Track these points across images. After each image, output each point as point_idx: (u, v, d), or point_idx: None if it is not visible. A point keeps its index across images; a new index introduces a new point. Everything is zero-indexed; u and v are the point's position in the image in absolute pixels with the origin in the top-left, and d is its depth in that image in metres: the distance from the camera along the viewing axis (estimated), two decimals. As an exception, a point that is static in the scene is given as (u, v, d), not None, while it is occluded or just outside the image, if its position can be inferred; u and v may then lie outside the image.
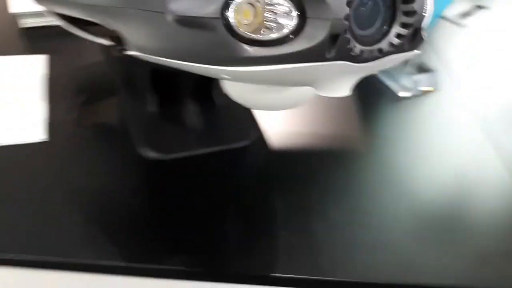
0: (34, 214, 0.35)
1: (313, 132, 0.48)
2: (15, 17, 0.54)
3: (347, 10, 0.22)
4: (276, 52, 0.22)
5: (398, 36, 0.25)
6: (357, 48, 0.23)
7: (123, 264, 0.33)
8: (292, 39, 0.22)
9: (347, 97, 0.27)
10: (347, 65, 0.23)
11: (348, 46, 0.23)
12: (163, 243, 0.35)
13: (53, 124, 0.42)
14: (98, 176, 0.39)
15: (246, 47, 0.22)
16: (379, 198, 0.41)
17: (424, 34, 0.26)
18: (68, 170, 0.39)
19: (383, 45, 0.25)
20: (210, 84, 0.45)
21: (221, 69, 0.24)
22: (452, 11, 0.71)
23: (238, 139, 0.45)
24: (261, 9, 0.22)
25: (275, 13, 0.22)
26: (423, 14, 0.25)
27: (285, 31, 0.22)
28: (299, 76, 0.24)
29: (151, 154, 0.41)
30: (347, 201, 0.40)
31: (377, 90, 0.54)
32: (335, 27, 0.22)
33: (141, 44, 0.28)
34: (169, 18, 0.23)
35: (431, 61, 0.60)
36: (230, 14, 0.22)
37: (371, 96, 0.54)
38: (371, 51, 0.24)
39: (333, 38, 0.22)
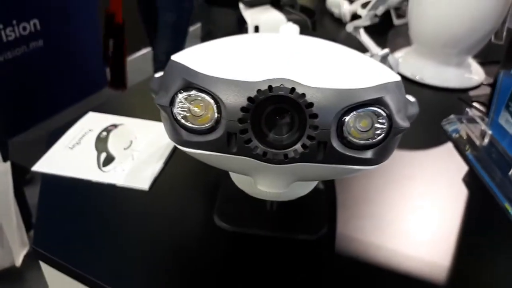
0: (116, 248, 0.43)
1: (385, 241, 0.44)
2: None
3: (240, 114, 0.25)
4: (199, 139, 0.28)
5: (304, 146, 0.26)
6: (260, 148, 0.26)
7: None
8: (209, 132, 0.27)
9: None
10: (255, 162, 0.26)
11: (248, 145, 0.26)
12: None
13: (158, 180, 0.51)
14: (176, 230, 0.45)
15: (183, 132, 0.29)
16: None
17: (338, 148, 0.27)
18: (152, 218, 0.46)
19: (289, 151, 0.26)
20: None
21: (177, 146, 0.31)
22: None
23: (305, 232, 0.45)
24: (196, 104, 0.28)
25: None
26: (327, 130, 0.26)
27: (207, 125, 0.27)
28: (224, 162, 0.28)
29: (223, 225, 0.45)
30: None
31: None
32: (230, 127, 0.26)
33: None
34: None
35: None
36: (177, 104, 0.28)
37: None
38: (275, 154, 0.26)
39: (231, 135, 0.26)
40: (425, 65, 0.80)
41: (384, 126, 0.27)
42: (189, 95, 0.27)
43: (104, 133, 0.58)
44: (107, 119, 0.61)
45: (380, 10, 0.78)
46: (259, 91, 0.25)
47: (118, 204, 0.49)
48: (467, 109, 0.64)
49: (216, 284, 0.40)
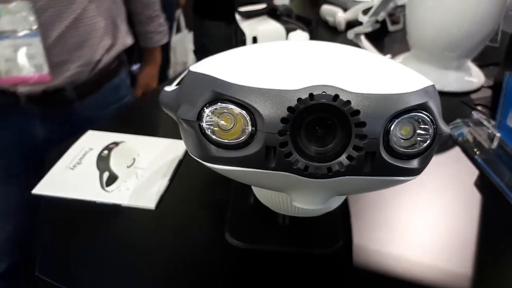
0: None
1: (400, 254, 0.43)
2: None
3: (280, 126, 0.23)
4: (230, 155, 0.25)
5: (350, 158, 0.24)
6: (301, 162, 0.24)
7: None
8: (242, 147, 0.25)
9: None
10: (295, 178, 0.24)
11: (288, 159, 0.24)
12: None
13: (164, 198, 0.49)
14: (186, 250, 0.43)
15: (212, 147, 0.26)
16: None
17: (387, 158, 0.25)
18: (160, 239, 0.45)
19: (334, 164, 0.24)
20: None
21: (204, 163, 0.28)
22: None
23: (320, 245, 0.44)
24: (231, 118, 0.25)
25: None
26: (376, 139, 0.24)
27: (242, 138, 0.25)
28: (258, 179, 0.26)
29: (234, 242, 0.43)
30: None
31: None
32: (269, 140, 0.24)
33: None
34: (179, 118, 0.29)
35: None
36: (205, 118, 0.26)
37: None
38: (318, 167, 0.24)
39: (269, 149, 0.24)
40: (425, 70, 0.79)
41: (428, 133, 0.26)
42: (219, 108, 0.25)
43: (106, 152, 0.56)
44: (108, 137, 0.60)
45: (382, 16, 0.77)
46: (299, 100, 0.23)
47: (124, 225, 0.47)
48: (473, 112, 0.64)
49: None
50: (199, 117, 0.26)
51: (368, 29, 0.81)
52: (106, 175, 0.52)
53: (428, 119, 0.26)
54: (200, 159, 0.28)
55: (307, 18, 0.87)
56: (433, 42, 0.76)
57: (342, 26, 1.06)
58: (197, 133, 0.26)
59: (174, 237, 0.45)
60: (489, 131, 0.59)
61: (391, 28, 1.07)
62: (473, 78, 0.79)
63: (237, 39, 0.87)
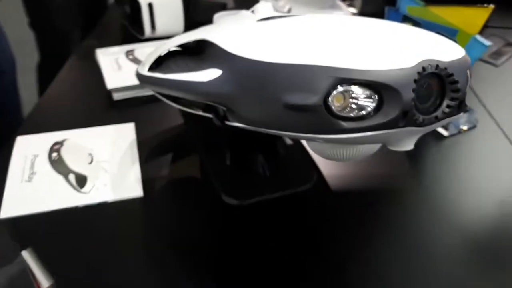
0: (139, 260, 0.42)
1: (365, 172, 0.53)
2: (111, 91, 0.65)
3: (413, 94, 0.30)
4: (362, 124, 0.30)
5: (448, 106, 0.33)
6: (420, 117, 0.31)
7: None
8: (372, 116, 0.30)
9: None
10: (413, 130, 0.31)
11: (414, 117, 0.30)
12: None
13: (146, 182, 0.50)
14: (187, 221, 0.46)
15: (341, 122, 0.30)
16: (429, 232, 0.46)
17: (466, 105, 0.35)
18: (162, 219, 0.46)
19: (438, 113, 0.32)
20: (274, 138, 0.52)
21: (320, 137, 0.32)
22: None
23: (302, 183, 0.51)
24: (349, 96, 0.30)
25: (358, 99, 0.30)
26: (465, 90, 0.33)
27: (368, 110, 0.30)
28: (378, 138, 0.32)
29: (232, 201, 0.47)
30: (401, 238, 0.45)
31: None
32: (405, 106, 0.30)
33: (249, 119, 0.35)
34: (282, 104, 0.31)
35: (469, 101, 0.64)
36: (330, 101, 0.30)
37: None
38: (429, 118, 0.32)
39: (404, 113, 0.30)
40: (304, 11, 0.89)
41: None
42: (345, 91, 0.29)
43: (55, 154, 0.52)
44: (43, 138, 0.55)
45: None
46: (419, 73, 0.29)
47: (122, 220, 0.46)
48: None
49: (249, 253, 0.43)
50: (325, 99, 0.29)
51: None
52: (72, 177, 0.49)
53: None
54: (327, 135, 0.31)
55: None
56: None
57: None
58: (324, 114, 0.30)
59: (177, 212, 0.47)
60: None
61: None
62: (346, 13, 0.92)
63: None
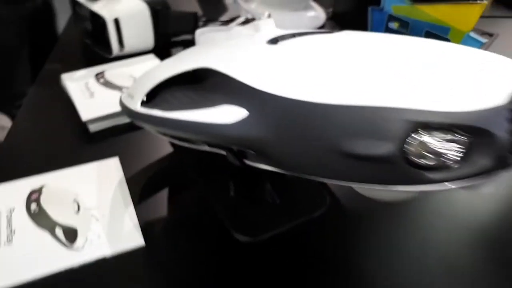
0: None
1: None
2: (86, 123, 0.58)
3: (508, 136, 0.24)
4: (448, 175, 0.25)
5: None
6: (510, 158, 0.25)
7: None
8: (459, 162, 0.25)
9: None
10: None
11: (508, 161, 0.25)
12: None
13: (145, 227, 0.44)
14: (197, 266, 0.41)
15: (424, 172, 0.25)
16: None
17: None
18: (169, 269, 0.41)
19: None
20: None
21: (390, 188, 0.27)
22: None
23: (316, 207, 0.47)
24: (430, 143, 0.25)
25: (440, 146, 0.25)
26: None
27: (454, 158, 0.25)
28: (465, 187, 0.27)
29: (244, 238, 0.43)
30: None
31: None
32: (499, 151, 0.25)
33: (286, 165, 0.30)
34: (339, 152, 0.26)
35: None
36: (408, 150, 0.25)
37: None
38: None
39: (497, 159, 0.25)
40: (278, 14, 0.85)
41: None
42: (427, 135, 0.24)
43: (34, 206, 0.45)
44: (17, 187, 0.48)
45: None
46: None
47: (128, 276, 0.40)
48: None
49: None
50: (400, 150, 0.24)
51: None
52: (59, 231, 0.43)
53: None
54: (404, 185, 0.26)
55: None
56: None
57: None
58: (400, 164, 0.25)
59: (185, 258, 0.42)
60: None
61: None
62: (320, 13, 0.89)
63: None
